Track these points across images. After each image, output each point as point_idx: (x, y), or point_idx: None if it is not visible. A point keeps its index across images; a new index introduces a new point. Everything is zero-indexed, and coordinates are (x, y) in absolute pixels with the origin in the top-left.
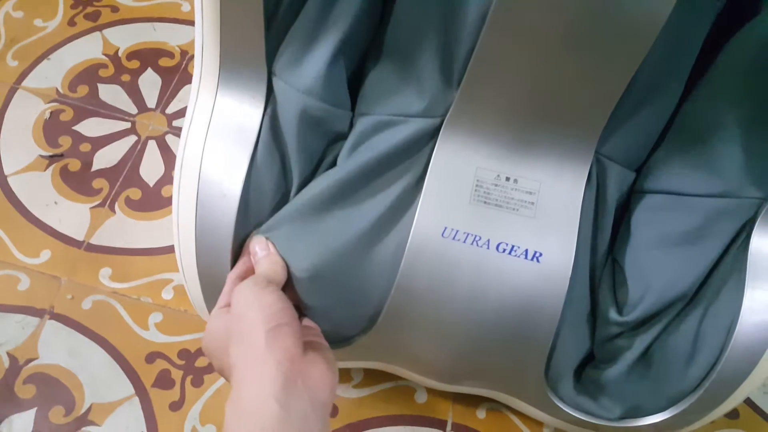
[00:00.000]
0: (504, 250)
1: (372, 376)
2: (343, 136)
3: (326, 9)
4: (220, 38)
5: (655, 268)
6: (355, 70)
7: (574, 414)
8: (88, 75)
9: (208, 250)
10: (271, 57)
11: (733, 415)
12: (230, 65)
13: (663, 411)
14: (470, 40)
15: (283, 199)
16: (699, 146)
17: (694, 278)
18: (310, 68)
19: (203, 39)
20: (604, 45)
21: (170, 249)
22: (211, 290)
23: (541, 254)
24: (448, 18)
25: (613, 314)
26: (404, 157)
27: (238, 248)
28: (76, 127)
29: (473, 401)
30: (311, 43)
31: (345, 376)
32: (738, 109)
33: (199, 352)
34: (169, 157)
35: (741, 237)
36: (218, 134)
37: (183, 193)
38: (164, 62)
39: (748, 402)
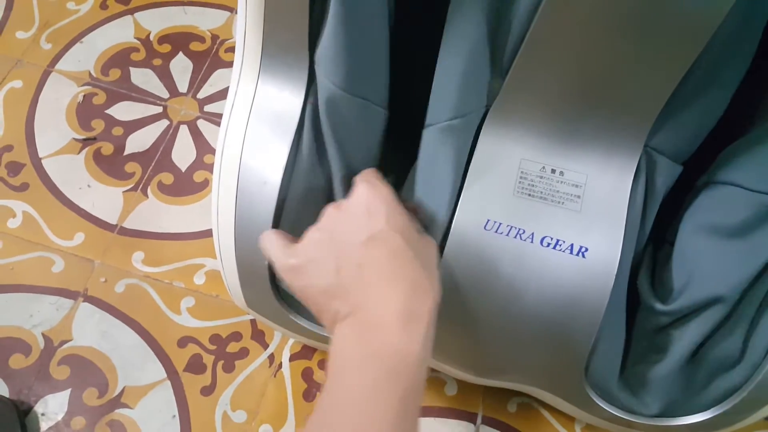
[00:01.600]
0: (549, 245)
1: None
2: (380, 132)
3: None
4: (264, 23)
5: (703, 257)
6: (402, 72)
7: (611, 411)
8: (120, 58)
9: (247, 236)
10: (313, 45)
11: None
12: (273, 51)
13: (703, 411)
14: (521, 28)
15: (322, 190)
16: (756, 141)
17: (745, 273)
18: (339, 58)
19: (246, 23)
20: (664, 29)
21: (202, 234)
22: (248, 276)
23: (587, 249)
24: (501, 8)
25: (656, 304)
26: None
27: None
28: (109, 111)
29: (504, 395)
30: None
31: None
32: None
33: (231, 338)
34: (200, 142)
35: None
36: (259, 121)
37: (223, 178)
38: (195, 46)
39: None
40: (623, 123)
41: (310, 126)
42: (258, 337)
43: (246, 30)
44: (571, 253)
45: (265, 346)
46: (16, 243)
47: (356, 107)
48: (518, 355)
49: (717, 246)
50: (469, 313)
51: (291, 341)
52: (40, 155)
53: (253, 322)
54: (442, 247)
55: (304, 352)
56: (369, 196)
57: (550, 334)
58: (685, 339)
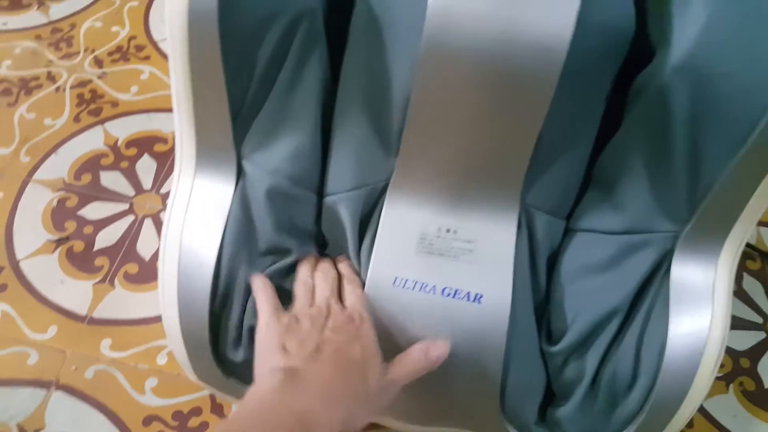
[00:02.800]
0: (449, 294)
1: None
2: (312, 205)
3: (284, 105)
4: (195, 132)
5: (578, 296)
6: (318, 151)
7: None
8: (91, 164)
9: (190, 313)
10: (239, 143)
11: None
12: (204, 152)
13: None
14: (399, 119)
15: (255, 263)
16: (611, 190)
17: (617, 301)
18: (273, 152)
19: (181, 133)
20: (508, 110)
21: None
22: (195, 352)
23: (482, 296)
24: (380, 102)
25: (545, 345)
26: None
27: (216, 310)
28: (80, 212)
29: None
30: (273, 131)
31: None
32: (642, 157)
33: (192, 413)
34: None
35: (663, 267)
36: (196, 211)
37: (167, 264)
38: (159, 147)
39: (719, 426)
40: (498, 186)
41: (240, 210)
42: (217, 410)
43: (182, 137)
44: (469, 300)
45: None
46: None
47: (292, 189)
48: (439, 398)
49: (592, 282)
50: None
51: None
52: (18, 257)
53: (212, 396)
54: None
55: None
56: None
57: (463, 374)
58: (585, 377)
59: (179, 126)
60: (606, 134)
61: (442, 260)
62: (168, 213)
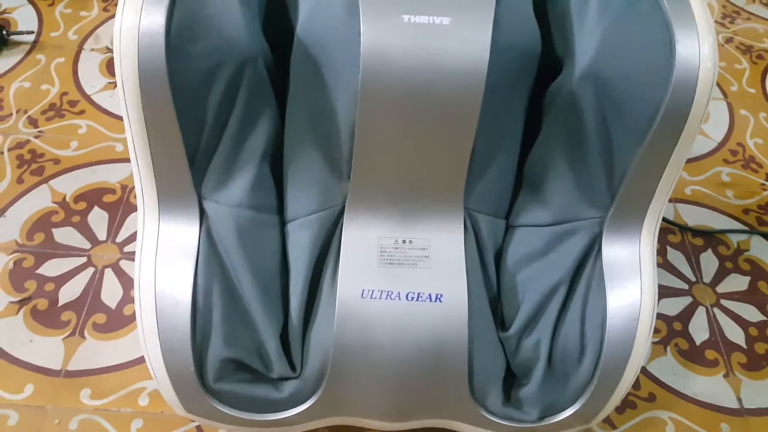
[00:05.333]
0: (413, 298)
1: None
2: (277, 231)
3: (237, 145)
4: (155, 180)
5: (522, 283)
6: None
7: (503, 423)
8: (42, 223)
9: (172, 350)
10: (199, 185)
11: (650, 398)
12: (166, 198)
13: (572, 405)
14: (348, 146)
15: (229, 295)
16: (539, 188)
17: (554, 281)
18: (233, 187)
19: (141, 182)
20: (442, 130)
21: (139, 360)
22: (182, 386)
23: (441, 295)
24: (327, 132)
25: (500, 333)
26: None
27: (198, 344)
28: (39, 271)
29: None
30: (231, 169)
31: None
32: (562, 156)
33: None
34: (125, 280)
35: (594, 249)
36: (166, 254)
37: (144, 308)
38: (108, 198)
39: (662, 384)
40: (442, 197)
41: (207, 247)
42: None
43: (142, 186)
44: (431, 300)
45: None
46: None
47: (256, 219)
48: (414, 393)
49: (532, 269)
50: (366, 369)
51: None
52: None
53: (198, 428)
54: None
55: None
56: None
57: (432, 368)
58: (537, 354)
59: (138, 175)
60: (530, 139)
61: (403, 269)
62: (138, 259)
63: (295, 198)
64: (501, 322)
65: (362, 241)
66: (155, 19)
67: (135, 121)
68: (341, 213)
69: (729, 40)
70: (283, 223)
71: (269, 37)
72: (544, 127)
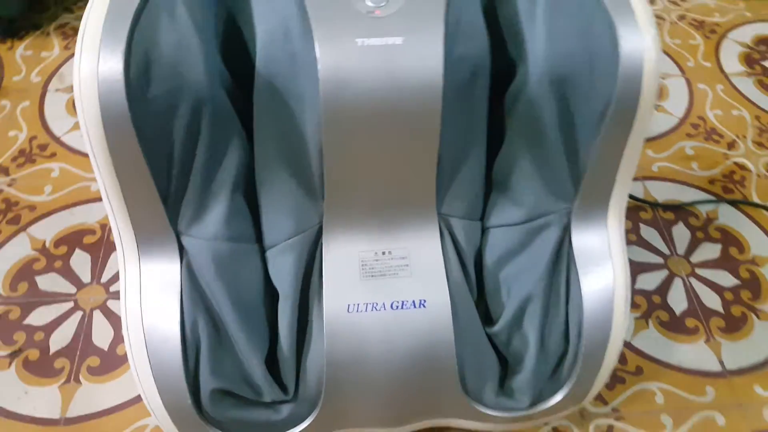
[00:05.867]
0: (397, 307)
1: None
2: (257, 259)
3: (207, 180)
4: (130, 222)
5: (505, 281)
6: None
7: (496, 414)
8: (24, 272)
9: (167, 385)
10: (175, 222)
11: (637, 371)
12: (144, 238)
13: (562, 388)
14: (319, 166)
15: (213, 327)
16: (508, 189)
17: (536, 275)
18: (208, 221)
19: (117, 224)
20: (406, 142)
21: (138, 399)
22: (182, 419)
23: (425, 300)
24: (297, 156)
25: (488, 330)
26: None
27: (191, 376)
28: (27, 321)
29: None
30: (203, 203)
31: None
32: (526, 155)
33: None
34: (114, 319)
35: (566, 239)
36: (150, 293)
37: (134, 348)
38: (88, 239)
39: (647, 357)
40: (415, 206)
41: (189, 282)
42: None
43: (119, 229)
44: (416, 307)
45: None
46: None
47: (235, 249)
48: (409, 397)
49: (512, 266)
50: (360, 381)
51: None
52: None
53: None
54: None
55: None
56: None
57: (424, 372)
58: (528, 343)
59: (114, 219)
60: (497, 141)
61: (385, 279)
62: (123, 301)
63: (273, 224)
64: (488, 319)
65: (343, 257)
66: (113, 66)
67: (103, 165)
68: (319, 233)
69: (682, 18)
70: (262, 251)
71: (231, 62)
72: (507, 130)
